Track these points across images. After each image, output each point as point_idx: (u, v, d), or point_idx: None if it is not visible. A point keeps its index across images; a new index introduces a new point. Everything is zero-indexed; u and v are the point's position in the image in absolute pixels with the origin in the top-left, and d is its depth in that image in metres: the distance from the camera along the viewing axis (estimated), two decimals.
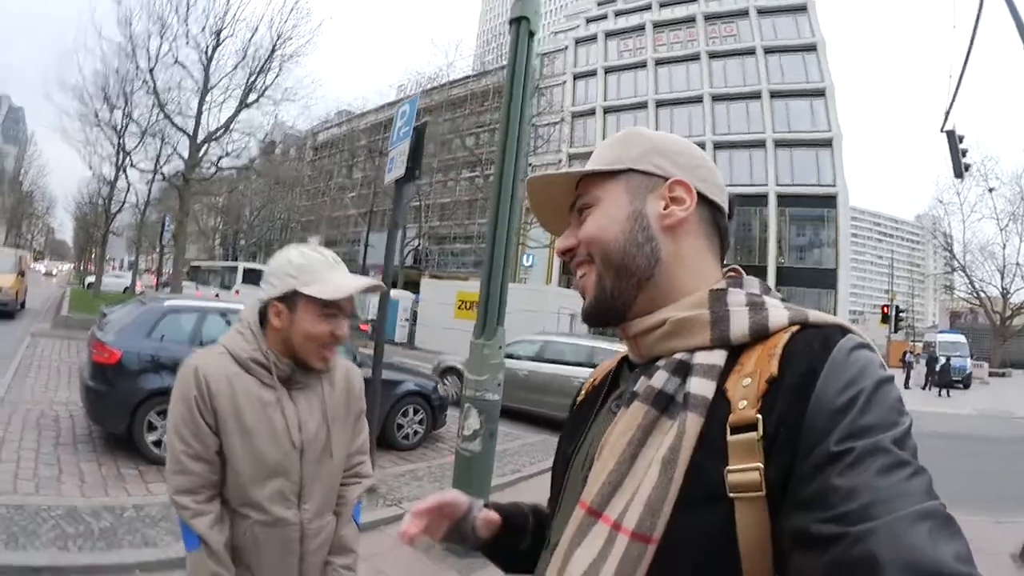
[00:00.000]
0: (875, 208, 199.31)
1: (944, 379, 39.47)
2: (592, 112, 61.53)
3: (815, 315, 1.04)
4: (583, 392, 1.42)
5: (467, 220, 61.00)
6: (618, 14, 66.57)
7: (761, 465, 0.90)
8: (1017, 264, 51.01)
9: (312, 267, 2.19)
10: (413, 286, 40.41)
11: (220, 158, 30.78)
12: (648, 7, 64.40)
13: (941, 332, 59.19)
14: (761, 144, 51.77)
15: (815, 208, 49.97)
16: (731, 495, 0.90)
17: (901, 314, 36.98)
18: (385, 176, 8.42)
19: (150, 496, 7.07)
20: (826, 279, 49.56)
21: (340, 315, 2.20)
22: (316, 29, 29.78)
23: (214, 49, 28.27)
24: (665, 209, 1.18)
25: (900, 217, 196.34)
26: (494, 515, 1.41)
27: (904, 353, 48.72)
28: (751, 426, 0.92)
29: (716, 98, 55.14)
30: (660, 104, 57.66)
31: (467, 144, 50.74)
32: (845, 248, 50.10)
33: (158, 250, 71.77)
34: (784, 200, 50.50)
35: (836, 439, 0.86)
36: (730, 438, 0.93)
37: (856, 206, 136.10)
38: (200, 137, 28.36)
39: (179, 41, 27.88)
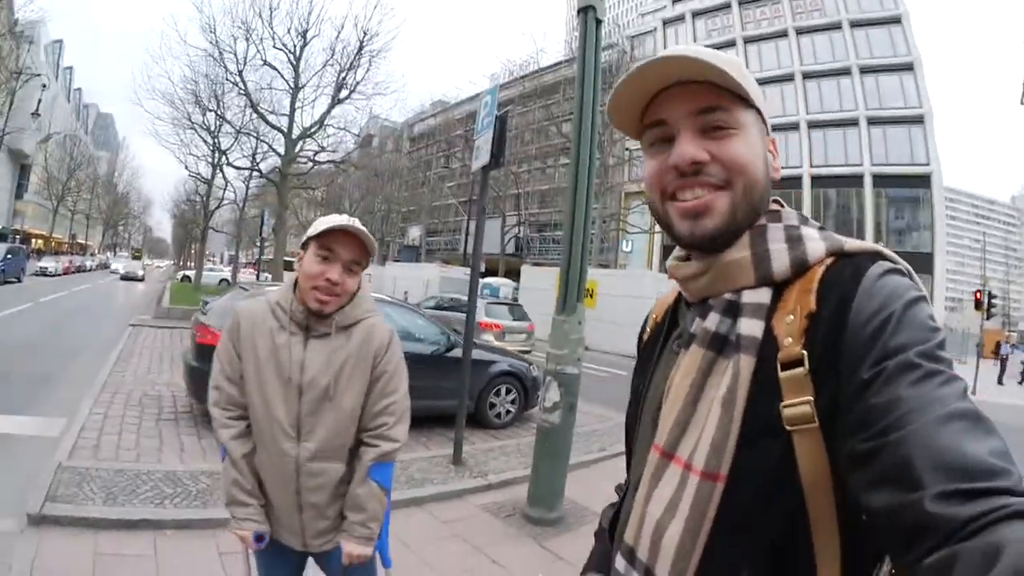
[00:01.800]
0: (972, 189, 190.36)
1: None
2: None
3: (850, 244, 1.10)
4: (648, 330, 1.48)
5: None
6: None
7: (811, 398, 0.97)
8: None
9: (324, 220, 2.48)
10: (515, 274, 40.35)
11: (316, 153, 31.25)
12: None
13: None
14: (854, 123, 50.70)
15: (910, 189, 48.71)
16: (788, 428, 0.98)
17: (994, 300, 35.49)
18: (472, 163, 8.73)
19: None
20: (923, 264, 47.47)
21: (334, 260, 2.44)
22: (401, 24, 29.85)
23: (302, 49, 28.82)
24: (774, 161, 1.23)
25: (996, 199, 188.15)
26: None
27: (997, 344, 46.85)
28: (798, 362, 0.99)
29: (807, 76, 54.10)
30: None
31: (563, 131, 50.23)
32: (941, 231, 48.80)
33: (257, 244, 73.19)
34: (879, 180, 49.37)
35: (870, 363, 0.92)
36: (781, 375, 1.01)
37: (951, 186, 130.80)
38: (295, 134, 28.90)
39: (266, 43, 28.48)
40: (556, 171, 58.36)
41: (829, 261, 1.08)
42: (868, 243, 1.10)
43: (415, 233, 76.94)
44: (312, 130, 29.66)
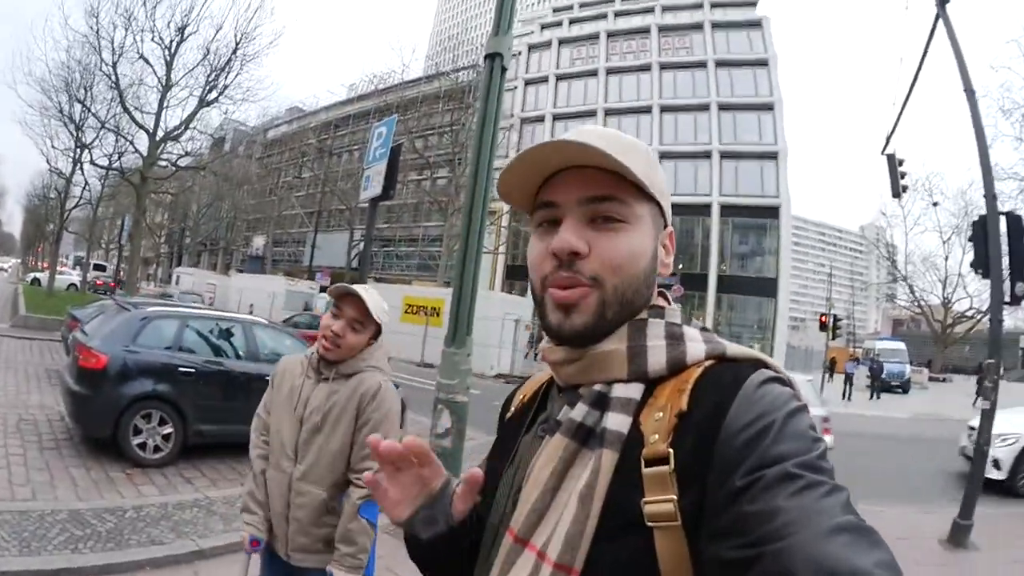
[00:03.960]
0: (820, 219, 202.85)
1: (882, 384, 39.62)
2: (541, 119, 61.65)
3: (732, 349, 1.07)
4: (512, 407, 1.42)
5: (413, 223, 60.20)
6: (572, 22, 67.19)
7: (675, 497, 0.92)
8: (959, 275, 52.09)
9: (339, 286, 3.12)
10: None
11: (179, 157, 30.59)
12: (604, 16, 64.89)
13: (881, 339, 60.22)
14: (707, 155, 52.51)
15: (758, 218, 50.77)
16: (649, 524, 0.93)
17: (840, 322, 37.10)
18: (360, 193, 8.80)
19: (143, 497, 7.51)
20: (767, 287, 50.37)
21: (340, 317, 3.05)
22: (281, 30, 29.31)
23: (178, 45, 28.22)
24: (665, 257, 1.20)
25: (844, 227, 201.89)
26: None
27: (833, 360, 49.15)
28: (663, 460, 0.95)
29: (665, 109, 55.80)
30: (609, 112, 58.11)
31: (416, 146, 50.20)
32: (786, 258, 51.00)
33: (105, 247, 70.04)
34: (727, 210, 51.27)
35: (744, 471, 0.88)
36: (644, 471, 0.96)
37: (800, 215, 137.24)
38: (159, 135, 28.29)
39: (144, 35, 27.74)
40: (405, 187, 57.55)
41: (708, 363, 1.05)
42: (750, 350, 1.09)
43: (260, 243, 75.18)
44: (177, 132, 29.06)
